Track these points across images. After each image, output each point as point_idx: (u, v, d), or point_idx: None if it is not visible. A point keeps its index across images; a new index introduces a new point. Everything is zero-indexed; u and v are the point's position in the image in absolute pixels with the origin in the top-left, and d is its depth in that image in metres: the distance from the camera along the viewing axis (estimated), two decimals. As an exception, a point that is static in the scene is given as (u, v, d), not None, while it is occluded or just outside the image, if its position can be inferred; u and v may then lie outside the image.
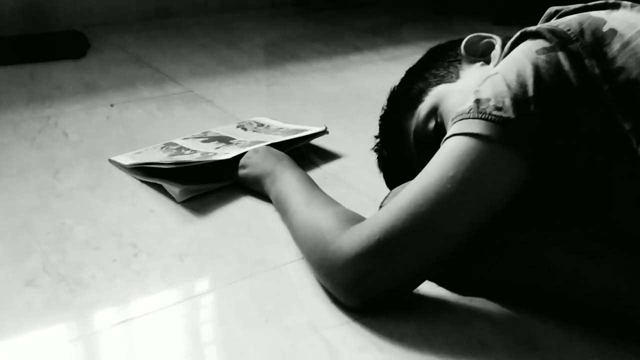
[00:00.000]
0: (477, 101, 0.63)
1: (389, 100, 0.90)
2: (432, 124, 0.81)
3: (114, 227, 0.84)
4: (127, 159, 1.03)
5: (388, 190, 0.89)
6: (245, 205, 0.90)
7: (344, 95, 1.43)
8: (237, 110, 1.31)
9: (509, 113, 0.60)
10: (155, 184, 0.95)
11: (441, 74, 0.85)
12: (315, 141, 1.12)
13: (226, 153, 0.96)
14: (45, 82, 1.50)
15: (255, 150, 0.95)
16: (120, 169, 1.02)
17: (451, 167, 0.62)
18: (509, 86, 0.62)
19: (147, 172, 0.97)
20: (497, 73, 0.65)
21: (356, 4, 2.55)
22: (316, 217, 0.72)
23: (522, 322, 0.65)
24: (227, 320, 0.65)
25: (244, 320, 0.65)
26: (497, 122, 0.61)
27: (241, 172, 0.94)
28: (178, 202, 0.90)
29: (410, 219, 0.61)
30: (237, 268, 0.75)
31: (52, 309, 0.67)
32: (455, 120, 0.65)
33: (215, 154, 0.98)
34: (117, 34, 2.00)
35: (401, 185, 0.80)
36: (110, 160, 1.05)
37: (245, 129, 1.16)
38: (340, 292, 0.66)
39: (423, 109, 0.82)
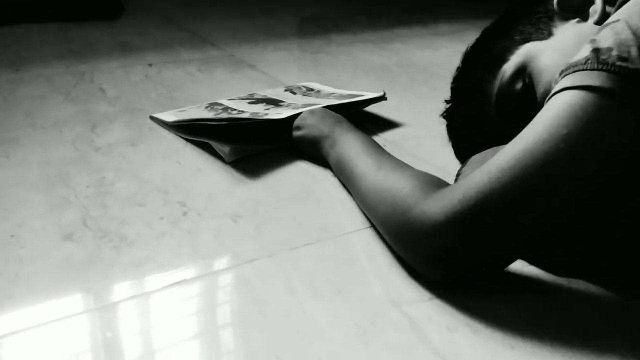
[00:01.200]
0: (596, 50, 0.53)
1: (464, 61, 0.81)
2: (519, 85, 0.72)
3: (159, 183, 0.76)
4: (171, 116, 0.95)
5: (455, 160, 0.81)
6: (300, 169, 0.82)
7: (394, 65, 1.34)
8: (283, 75, 1.23)
9: (637, 64, 0.51)
10: (201, 143, 0.87)
11: (529, 31, 0.76)
12: (370, 109, 1.04)
13: (278, 113, 0.88)
14: (79, 40, 1.42)
15: (311, 111, 0.87)
16: (162, 126, 0.94)
17: (565, 124, 0.53)
18: (635, 33, 0.52)
19: (193, 131, 0.89)
20: (618, 20, 0.55)
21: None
22: (392, 180, 0.63)
23: (631, 307, 0.56)
24: (293, 289, 0.57)
25: (312, 289, 0.57)
26: (621, 73, 0.52)
27: (296, 133, 0.86)
28: (227, 162, 0.82)
29: (513, 181, 0.53)
30: (297, 233, 0.66)
31: (93, 266, 0.59)
32: (566, 72, 0.56)
33: (266, 114, 0.90)
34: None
35: (481, 153, 0.71)
36: (152, 117, 0.97)
37: (294, 93, 1.08)
38: (422, 263, 0.57)
39: (508, 68, 0.73)
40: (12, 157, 0.82)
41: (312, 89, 1.10)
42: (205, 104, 1.01)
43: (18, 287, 0.56)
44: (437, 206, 0.55)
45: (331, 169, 0.81)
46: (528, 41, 0.74)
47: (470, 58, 0.81)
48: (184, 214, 0.70)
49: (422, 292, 0.57)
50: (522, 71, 0.72)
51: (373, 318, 0.53)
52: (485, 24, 0.80)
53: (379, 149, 0.75)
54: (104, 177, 0.78)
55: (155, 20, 1.66)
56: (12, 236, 0.64)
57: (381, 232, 0.64)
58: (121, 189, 0.75)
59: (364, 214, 0.70)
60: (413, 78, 1.25)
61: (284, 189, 0.76)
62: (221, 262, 0.61)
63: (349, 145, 0.77)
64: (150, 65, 1.26)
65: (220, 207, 0.71)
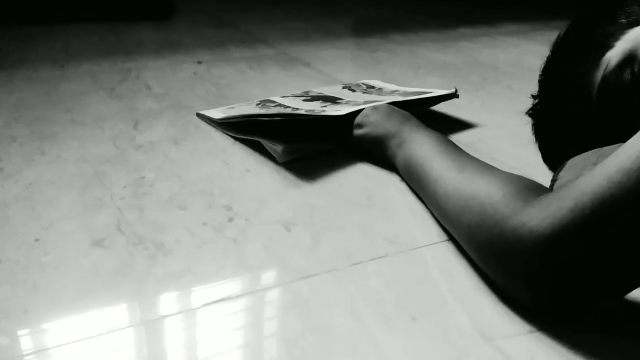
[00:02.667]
0: None
1: (557, 50, 0.69)
2: (627, 75, 0.60)
3: (204, 185, 0.67)
4: (219, 114, 0.87)
5: (543, 165, 0.69)
6: (362, 172, 0.72)
7: (461, 64, 1.22)
8: (340, 74, 1.13)
9: None
10: (250, 142, 0.78)
11: (638, 13, 0.64)
12: (439, 108, 0.93)
13: (337, 110, 0.78)
14: (128, 38, 1.37)
15: (375, 108, 0.77)
16: (209, 124, 0.86)
17: None
18: None
19: (242, 129, 0.81)
20: None
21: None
22: (479, 185, 0.52)
23: None
24: (358, 313, 0.47)
25: (381, 315, 0.47)
26: None
27: (357, 132, 0.75)
28: (279, 163, 0.73)
29: (639, 185, 0.41)
30: (362, 246, 0.56)
31: (125, 277, 0.50)
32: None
33: (323, 111, 0.80)
34: (203, 1, 1.87)
35: (581, 155, 0.59)
36: (199, 115, 0.89)
37: (353, 90, 0.98)
38: (521, 287, 0.46)
39: (614, 56, 0.61)
40: (48, 154, 0.76)
41: (373, 87, 1.00)
42: (256, 101, 0.93)
43: (36, 301, 0.47)
44: (541, 217, 0.44)
45: (398, 173, 0.70)
46: (638, 24, 0.63)
47: (564, 47, 0.69)
48: (230, 219, 0.60)
49: (519, 324, 0.46)
50: (631, 59, 0.60)
51: (460, 355, 0.42)
52: (556, 23, 0.68)
53: (457, 149, 0.64)
54: (143, 177, 0.69)
55: (206, 20, 1.60)
56: (37, 240, 0.56)
57: (465, 247, 0.53)
58: (161, 190, 0.66)
59: (441, 225, 0.59)
60: (484, 77, 1.13)
61: (345, 194, 0.66)
62: (272, 277, 0.51)
63: (420, 145, 0.66)
64: (199, 62, 1.19)
65: (272, 214, 0.62)
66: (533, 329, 0.45)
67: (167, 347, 0.43)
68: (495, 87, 1.08)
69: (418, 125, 0.72)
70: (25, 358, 0.42)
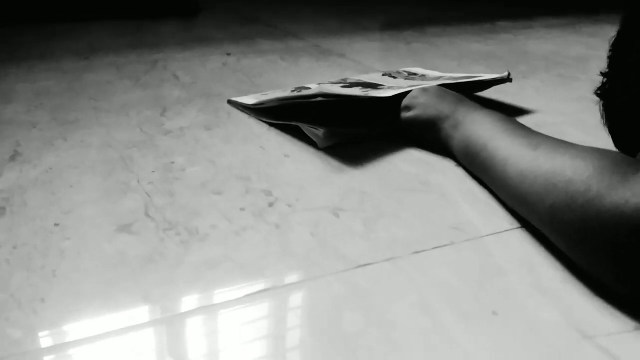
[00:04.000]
0: None
1: (627, 22, 0.61)
2: None
3: (239, 171, 0.61)
4: (252, 100, 0.81)
5: (613, 148, 0.61)
6: (412, 157, 0.65)
7: (507, 54, 1.15)
8: (378, 64, 1.07)
9: None
10: (287, 128, 0.71)
11: None
12: (490, 94, 0.85)
13: (383, 93, 0.71)
14: (153, 34, 1.32)
15: (424, 90, 0.70)
16: (242, 110, 0.80)
17: None
18: None
19: (278, 114, 0.74)
20: None
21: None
22: (560, 161, 0.45)
23: None
24: (429, 307, 0.39)
25: (456, 308, 0.39)
26: None
27: (405, 115, 0.68)
28: (320, 148, 0.66)
29: None
30: (422, 233, 0.49)
31: (154, 265, 0.44)
32: None
33: (366, 95, 0.73)
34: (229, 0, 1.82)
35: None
36: (230, 102, 0.83)
37: (394, 77, 0.91)
38: (624, 273, 0.39)
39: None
40: (70, 140, 0.70)
41: (415, 74, 0.92)
42: (291, 87, 0.86)
43: (54, 289, 0.41)
44: (644, 192, 0.37)
45: (453, 158, 0.63)
46: None
47: (636, 19, 0.62)
48: (271, 204, 0.53)
49: (621, 319, 0.38)
50: None
51: (558, 354, 0.35)
52: (601, 17, 0.61)
53: (523, 126, 0.57)
54: (173, 162, 0.63)
55: (233, 17, 1.55)
56: (56, 225, 0.50)
57: (547, 232, 0.45)
58: (193, 175, 0.60)
59: (511, 211, 0.52)
60: (533, 66, 1.05)
61: (396, 180, 0.59)
62: (322, 266, 0.44)
63: (481, 124, 0.59)
64: (228, 54, 1.14)
65: (316, 199, 0.55)
66: (639, 325, 0.38)
67: (205, 343, 0.36)
68: (546, 75, 1.00)
69: (474, 105, 0.65)
70: (39, 353, 0.35)
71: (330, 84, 0.87)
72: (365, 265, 0.44)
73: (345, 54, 1.15)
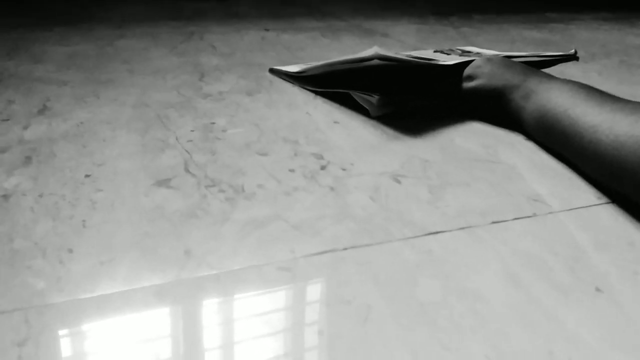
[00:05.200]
0: None
1: None
2: None
3: (285, 134, 0.55)
4: (296, 68, 0.75)
5: None
6: (476, 129, 0.59)
7: (561, 40, 1.08)
8: (425, 44, 1.00)
9: None
10: (334, 96, 0.66)
11: None
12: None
13: (443, 61, 0.65)
14: (188, 9, 1.28)
15: (488, 59, 0.63)
16: (285, 79, 0.74)
17: None
18: None
19: (325, 82, 0.68)
20: None
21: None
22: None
23: None
24: (518, 278, 0.33)
25: (550, 282, 0.33)
26: None
27: (468, 84, 0.62)
28: (373, 117, 0.60)
29: None
30: (498, 203, 0.43)
31: (197, 220, 0.38)
32: None
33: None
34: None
35: None
36: (273, 70, 0.78)
37: (447, 54, 0.84)
38: None
39: None
40: (103, 97, 0.65)
41: (469, 51, 0.86)
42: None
43: (83, 239, 0.36)
44: None
45: (521, 131, 0.57)
46: None
47: None
48: (323, 167, 0.48)
49: None
50: None
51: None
52: None
53: (607, 93, 0.50)
54: (213, 123, 0.58)
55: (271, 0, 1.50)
56: (87, 176, 0.45)
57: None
58: (236, 136, 0.54)
59: (596, 184, 0.46)
60: (591, 52, 0.98)
61: (461, 150, 0.53)
62: (389, 230, 0.38)
63: (559, 92, 0.52)
64: (267, 30, 1.08)
65: (373, 165, 0.49)
66: None
67: (256, 304, 0.30)
68: (607, 61, 0.93)
69: (545, 74, 0.59)
70: (65, 306, 0.30)
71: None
72: (437, 232, 0.38)
73: (388, 34, 1.10)
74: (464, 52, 0.86)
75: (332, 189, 0.44)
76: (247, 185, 0.44)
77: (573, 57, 0.74)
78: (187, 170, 0.47)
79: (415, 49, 0.94)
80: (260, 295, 0.31)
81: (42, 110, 0.60)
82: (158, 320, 0.29)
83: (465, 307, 0.31)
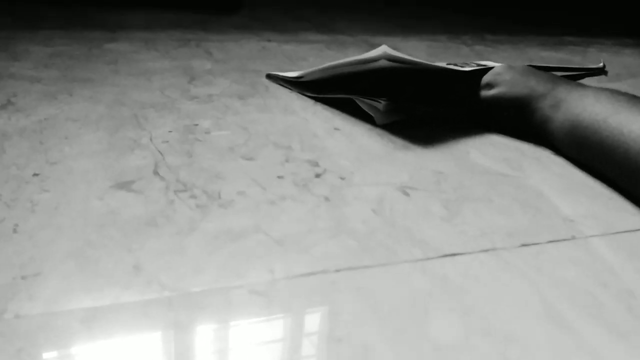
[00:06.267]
0: None
1: None
2: None
3: (277, 138, 0.48)
4: (294, 73, 0.68)
5: None
6: (493, 141, 0.51)
7: (582, 61, 1.01)
8: (438, 59, 0.94)
9: None
10: (336, 103, 0.59)
11: None
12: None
13: (459, 68, 0.58)
14: (190, 19, 1.22)
15: (510, 66, 0.56)
16: (284, 85, 0.67)
17: None
18: None
19: (326, 86, 0.61)
20: None
21: (548, 6, 2.13)
22: None
23: None
24: (560, 315, 0.25)
25: (602, 321, 0.25)
26: None
27: (487, 93, 0.55)
28: (378, 125, 0.53)
29: None
30: (527, 222, 0.35)
31: (156, 229, 0.31)
32: None
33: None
34: (271, 1, 1.72)
35: None
36: (270, 76, 0.71)
37: (462, 67, 0.77)
38: None
39: None
40: (77, 95, 0.58)
41: (486, 65, 0.79)
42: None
43: (8, 247, 0.28)
44: None
45: (548, 145, 0.49)
46: None
47: None
48: (318, 175, 0.40)
49: None
50: None
51: None
52: None
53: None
54: (196, 124, 0.50)
55: (275, 12, 1.44)
56: (35, 175, 0.37)
57: None
58: (220, 138, 0.47)
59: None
60: (616, 73, 0.91)
61: (479, 162, 0.45)
62: (395, 250, 0.30)
63: (593, 100, 0.45)
64: (269, 40, 1.02)
65: (377, 174, 0.41)
66: None
67: (217, 342, 0.23)
68: (634, 80, 0.86)
69: (575, 82, 0.51)
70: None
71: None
72: (454, 254, 0.31)
73: (398, 49, 1.03)
74: (480, 66, 0.79)
75: (326, 199, 0.37)
76: (224, 192, 0.37)
77: (601, 71, 0.67)
78: (155, 173, 0.39)
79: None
80: (222, 328, 0.24)
81: (5, 106, 0.53)
82: (79, 356, 0.21)
83: (493, 352, 0.23)
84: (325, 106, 0.60)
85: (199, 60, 0.79)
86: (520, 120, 0.53)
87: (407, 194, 0.39)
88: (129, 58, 0.77)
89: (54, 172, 0.39)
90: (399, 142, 0.50)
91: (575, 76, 0.68)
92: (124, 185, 0.37)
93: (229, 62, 0.79)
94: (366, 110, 0.55)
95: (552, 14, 1.91)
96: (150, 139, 0.46)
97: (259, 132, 0.50)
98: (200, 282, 0.27)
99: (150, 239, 0.30)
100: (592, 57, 1.07)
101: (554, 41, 1.27)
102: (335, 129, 0.52)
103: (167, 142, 0.46)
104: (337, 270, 0.28)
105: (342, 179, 0.40)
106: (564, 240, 0.34)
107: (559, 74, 0.66)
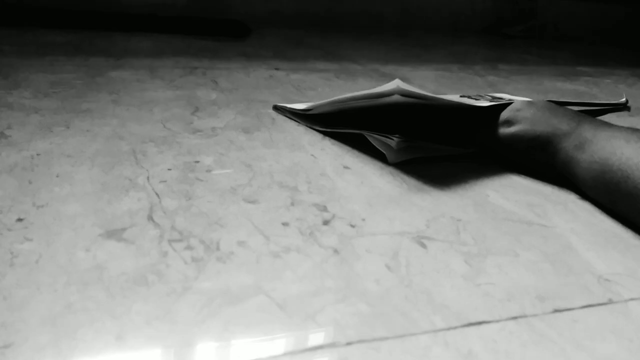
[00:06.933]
0: None
1: None
2: None
3: (283, 178, 0.45)
4: (303, 105, 0.65)
5: None
6: (513, 183, 0.48)
7: (599, 93, 0.98)
8: (450, 90, 0.91)
9: None
10: (346, 138, 0.56)
11: None
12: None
13: (475, 102, 0.55)
14: (197, 46, 1.20)
15: (530, 102, 0.53)
16: (291, 118, 0.64)
17: None
18: None
19: (335, 122, 0.59)
20: None
21: (557, 36, 2.11)
22: None
23: None
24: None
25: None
26: None
27: (506, 130, 0.52)
28: (391, 164, 0.50)
29: None
30: (560, 282, 0.31)
31: (146, 288, 0.27)
32: None
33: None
34: (280, 28, 1.71)
35: None
36: (277, 107, 0.68)
37: (475, 99, 0.74)
38: None
39: None
40: (74, 127, 0.55)
41: (501, 98, 0.76)
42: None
43: (-26, 309, 0.25)
44: None
45: (572, 187, 0.46)
46: None
47: None
48: (326, 222, 0.37)
49: None
50: None
51: None
52: None
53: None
54: (197, 161, 0.47)
55: (283, 40, 1.43)
56: (19, 220, 0.34)
57: None
58: (222, 177, 0.44)
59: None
60: (636, 107, 0.88)
61: (500, 208, 0.42)
62: (413, 317, 0.27)
63: (623, 142, 0.42)
64: (276, 69, 1.00)
65: (390, 221, 0.38)
66: None
67: None
68: (656, 116, 0.82)
69: (601, 120, 0.48)
70: None
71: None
72: (481, 323, 0.27)
73: (409, 78, 1.00)
74: (495, 99, 0.76)
75: (336, 251, 0.33)
76: (224, 242, 0.33)
77: (624, 107, 0.64)
78: (150, 219, 0.36)
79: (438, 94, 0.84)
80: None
81: (-3, 139, 0.50)
82: None
83: None
84: (335, 141, 0.57)
85: (204, 89, 0.77)
86: (542, 160, 0.50)
87: (424, 246, 0.35)
88: (132, 87, 0.74)
89: (40, 216, 0.36)
90: (412, 182, 0.47)
91: (596, 111, 0.65)
92: (114, 234, 0.34)
93: (235, 91, 0.77)
94: (378, 147, 0.52)
95: (563, 44, 1.89)
96: (147, 179, 0.43)
97: (264, 170, 0.47)
98: (189, 358, 0.23)
99: (138, 301, 0.27)
100: (610, 89, 1.04)
101: (568, 72, 1.24)
102: (345, 167, 0.49)
103: (165, 181, 0.43)
104: (348, 344, 0.25)
105: (353, 226, 0.37)
106: (601, 304, 0.30)
107: (577, 108, 0.63)
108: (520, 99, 0.64)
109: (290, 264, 0.32)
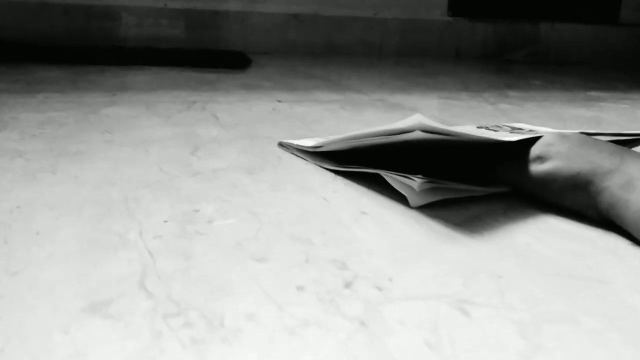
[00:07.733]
0: None
1: None
2: None
3: (294, 228, 0.39)
4: (311, 142, 0.60)
5: None
6: (552, 228, 0.42)
7: (620, 120, 0.93)
8: (462, 120, 0.86)
9: None
10: (359, 178, 0.50)
11: None
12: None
13: (501, 137, 0.50)
14: (194, 79, 1.16)
15: (563, 135, 0.48)
16: (298, 155, 0.59)
17: None
18: None
19: (347, 160, 0.54)
20: None
21: (559, 61, 2.08)
22: None
23: None
24: None
25: None
26: None
27: (538, 168, 0.47)
28: (412, 207, 0.44)
29: None
30: (633, 357, 0.25)
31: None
32: None
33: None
34: (279, 59, 1.68)
35: None
36: (283, 144, 0.63)
37: (494, 130, 0.69)
38: None
39: None
40: (60, 172, 0.50)
41: (520, 129, 0.71)
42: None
43: None
44: None
45: (618, 229, 0.40)
46: None
47: None
48: (348, 285, 0.31)
49: None
50: None
51: None
52: None
53: None
54: (197, 210, 0.42)
55: (286, 71, 1.39)
56: (-14, 292, 0.28)
57: None
58: (225, 229, 0.39)
59: None
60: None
61: (543, 259, 0.37)
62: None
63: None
64: (279, 101, 0.95)
65: (423, 280, 0.32)
66: None
67: None
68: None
69: (647, 157, 0.43)
70: None
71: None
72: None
73: (418, 108, 0.96)
74: (515, 130, 0.71)
75: (363, 324, 0.28)
76: (229, 314, 0.28)
77: (659, 136, 0.59)
78: (141, 286, 0.30)
79: (451, 125, 0.79)
80: None
81: (-26, 188, 0.45)
82: None
83: None
84: (347, 181, 0.51)
85: (204, 125, 0.72)
86: (582, 202, 0.44)
87: (466, 313, 0.30)
88: (127, 125, 0.70)
89: (14, 286, 0.30)
90: (440, 230, 0.41)
91: (627, 141, 0.60)
92: (99, 308, 0.28)
93: (236, 127, 0.72)
94: (397, 188, 0.47)
95: (567, 68, 1.86)
96: (140, 233, 0.38)
97: (272, 220, 0.41)
98: None
99: (124, 406, 0.21)
100: (628, 115, 0.99)
101: (581, 97, 1.20)
102: (362, 212, 0.44)
103: (160, 237, 0.37)
104: None
105: (380, 289, 0.32)
106: (694, 390, 0.24)
107: (606, 138, 0.58)
108: (548, 131, 0.59)
109: (309, 343, 0.26)
